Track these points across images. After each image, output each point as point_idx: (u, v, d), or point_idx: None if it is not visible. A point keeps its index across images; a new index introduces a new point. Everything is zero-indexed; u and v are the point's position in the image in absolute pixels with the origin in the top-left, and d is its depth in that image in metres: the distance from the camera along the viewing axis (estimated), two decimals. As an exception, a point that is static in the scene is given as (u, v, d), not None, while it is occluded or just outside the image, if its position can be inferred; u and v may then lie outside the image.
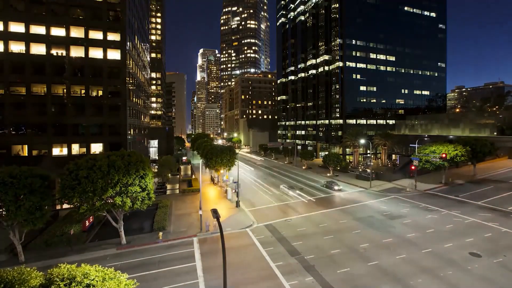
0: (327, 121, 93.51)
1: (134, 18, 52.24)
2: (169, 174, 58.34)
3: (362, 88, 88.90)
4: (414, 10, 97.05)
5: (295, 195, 44.60)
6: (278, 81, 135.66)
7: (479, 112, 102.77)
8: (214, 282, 20.07)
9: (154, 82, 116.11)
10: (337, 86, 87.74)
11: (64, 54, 40.63)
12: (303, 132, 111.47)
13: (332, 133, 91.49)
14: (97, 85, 42.53)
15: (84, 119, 41.59)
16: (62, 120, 40.55)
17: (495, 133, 67.63)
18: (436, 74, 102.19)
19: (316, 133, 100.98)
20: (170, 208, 37.81)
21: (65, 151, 40.89)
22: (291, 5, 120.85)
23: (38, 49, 39.90)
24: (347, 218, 33.19)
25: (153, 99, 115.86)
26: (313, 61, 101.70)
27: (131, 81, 48.23)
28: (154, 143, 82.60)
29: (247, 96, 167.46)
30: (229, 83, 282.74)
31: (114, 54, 43.17)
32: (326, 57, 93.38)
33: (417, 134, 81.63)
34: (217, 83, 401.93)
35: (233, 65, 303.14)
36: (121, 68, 43.29)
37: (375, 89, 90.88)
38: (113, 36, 43.29)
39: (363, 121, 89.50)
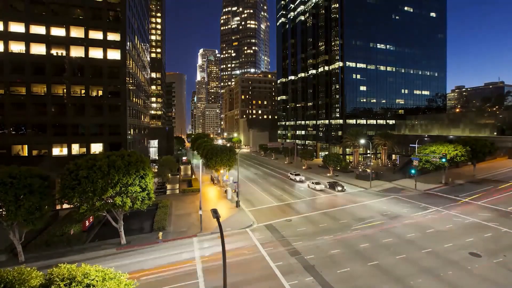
0: (327, 121, 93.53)
1: (134, 18, 52.23)
2: (169, 174, 58.30)
3: (362, 88, 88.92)
4: (414, 10, 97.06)
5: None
6: (278, 81, 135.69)
7: (479, 112, 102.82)
8: (214, 282, 20.05)
9: (154, 82, 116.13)
10: (337, 86, 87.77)
11: (64, 54, 40.62)
12: (303, 132, 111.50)
13: (332, 133, 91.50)
14: (97, 85, 42.51)
15: (84, 119, 41.57)
16: (62, 120, 40.54)
17: (495, 133, 67.67)
18: (436, 74, 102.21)
19: (316, 133, 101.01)
20: (170, 208, 37.79)
21: (65, 151, 40.87)
22: (291, 5, 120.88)
23: (38, 49, 39.87)
24: (347, 218, 33.18)
25: (153, 99, 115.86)
26: (313, 61, 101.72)
27: (131, 81, 48.23)
28: (154, 143, 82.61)
29: (247, 96, 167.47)
30: (229, 83, 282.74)
31: (114, 54, 43.16)
32: (326, 57, 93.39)
33: (417, 134, 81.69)
34: (217, 83, 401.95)
35: (233, 65, 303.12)
36: (121, 68, 43.27)
37: (375, 89, 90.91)
38: (113, 36, 43.28)
39: (363, 121, 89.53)
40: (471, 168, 56.53)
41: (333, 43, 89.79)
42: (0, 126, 38.62)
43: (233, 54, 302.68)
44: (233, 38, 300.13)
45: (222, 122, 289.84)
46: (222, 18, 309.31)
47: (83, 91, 42.17)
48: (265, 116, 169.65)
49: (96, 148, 42.43)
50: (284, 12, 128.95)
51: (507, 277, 19.71)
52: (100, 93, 43.04)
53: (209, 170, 54.07)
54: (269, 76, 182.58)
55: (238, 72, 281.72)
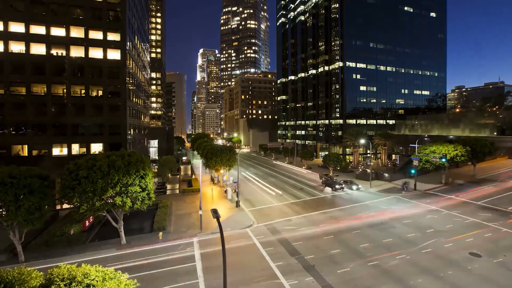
0: (327, 121, 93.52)
1: (134, 18, 52.24)
2: (169, 174, 58.31)
3: (362, 88, 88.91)
4: (414, 10, 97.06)
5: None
6: (278, 81, 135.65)
7: (479, 112, 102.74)
8: (214, 282, 20.06)
9: (154, 82, 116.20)
10: (337, 86, 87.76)
11: (64, 54, 40.63)
12: (303, 132, 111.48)
13: (332, 133, 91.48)
14: (97, 85, 42.53)
15: (84, 119, 41.58)
16: (62, 120, 40.54)
17: (495, 133, 67.70)
18: (436, 74, 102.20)
19: (316, 133, 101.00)
20: (170, 208, 37.79)
21: (65, 151, 40.88)
22: (291, 5, 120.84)
23: (38, 49, 39.88)
24: (348, 217, 33.17)
25: (153, 99, 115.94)
26: (313, 61, 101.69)
27: (131, 81, 48.24)
28: (154, 143, 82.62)
29: (247, 96, 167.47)
30: (229, 83, 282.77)
31: (114, 54, 43.17)
32: (326, 57, 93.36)
33: (417, 134, 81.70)
34: (217, 83, 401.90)
35: (233, 65, 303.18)
36: (121, 68, 43.29)
37: (375, 89, 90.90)
38: (113, 36, 43.30)
39: (363, 121, 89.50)
40: (471, 168, 56.51)
41: (333, 43, 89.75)
42: (0, 126, 38.63)
43: (233, 54, 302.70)
44: (233, 38, 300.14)
45: (222, 122, 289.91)
46: (222, 18, 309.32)
47: (83, 91, 42.18)
48: (265, 116, 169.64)
49: (96, 148, 42.44)
50: (284, 12, 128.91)
51: (507, 277, 19.71)
52: (100, 93, 43.04)
53: (209, 170, 54.05)
54: (269, 76, 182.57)
55: (238, 72, 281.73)
